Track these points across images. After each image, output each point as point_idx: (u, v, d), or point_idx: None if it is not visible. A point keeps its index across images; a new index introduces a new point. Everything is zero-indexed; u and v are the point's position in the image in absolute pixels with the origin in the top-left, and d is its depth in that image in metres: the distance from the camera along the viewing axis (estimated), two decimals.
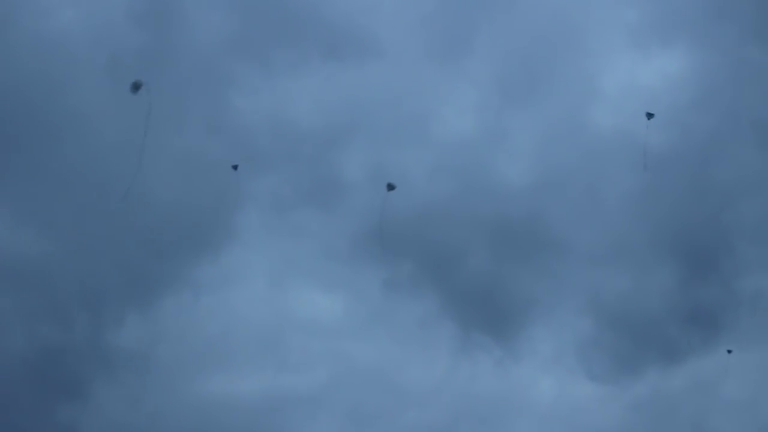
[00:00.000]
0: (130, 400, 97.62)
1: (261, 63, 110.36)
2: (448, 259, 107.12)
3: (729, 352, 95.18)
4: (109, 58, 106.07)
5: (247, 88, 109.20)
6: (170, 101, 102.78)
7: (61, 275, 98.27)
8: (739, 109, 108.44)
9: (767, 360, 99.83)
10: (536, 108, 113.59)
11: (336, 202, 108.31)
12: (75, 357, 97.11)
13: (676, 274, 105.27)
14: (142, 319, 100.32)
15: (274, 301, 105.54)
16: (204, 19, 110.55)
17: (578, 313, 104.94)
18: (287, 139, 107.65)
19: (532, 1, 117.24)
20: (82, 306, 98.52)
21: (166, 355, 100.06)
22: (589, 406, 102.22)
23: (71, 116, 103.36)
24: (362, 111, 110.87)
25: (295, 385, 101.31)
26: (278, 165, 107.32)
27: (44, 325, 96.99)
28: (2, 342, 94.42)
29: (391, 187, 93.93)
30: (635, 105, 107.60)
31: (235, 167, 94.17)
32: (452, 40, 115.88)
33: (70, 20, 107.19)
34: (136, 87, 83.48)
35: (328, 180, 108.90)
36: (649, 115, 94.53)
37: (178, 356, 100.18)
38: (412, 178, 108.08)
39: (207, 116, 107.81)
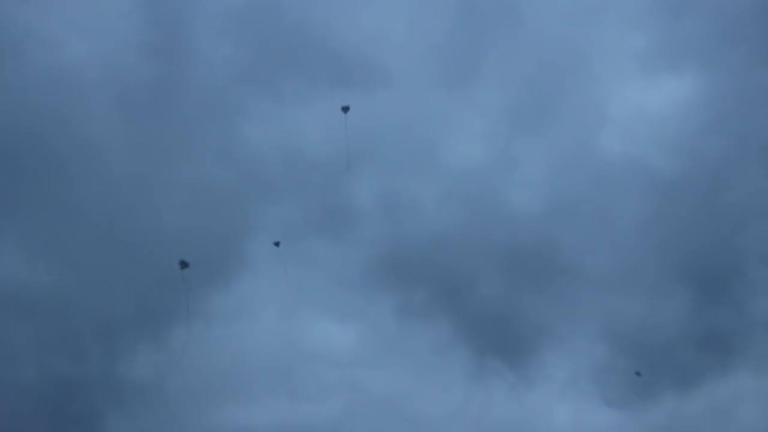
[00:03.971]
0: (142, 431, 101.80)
1: (270, 92, 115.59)
2: (461, 285, 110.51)
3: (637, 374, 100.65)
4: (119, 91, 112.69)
5: (256, 117, 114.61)
6: (180, 131, 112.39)
7: (73, 307, 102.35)
8: (748, 134, 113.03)
9: None
10: (546, 135, 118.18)
11: (347, 231, 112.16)
12: (87, 388, 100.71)
13: (689, 298, 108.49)
14: (154, 350, 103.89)
15: (286, 331, 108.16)
16: (213, 49, 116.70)
17: (592, 339, 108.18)
18: (297, 167, 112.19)
19: (540, 28, 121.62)
20: (95, 337, 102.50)
21: (178, 386, 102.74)
22: None
23: (82, 149, 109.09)
24: (372, 139, 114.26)
25: (309, 416, 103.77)
26: (288, 194, 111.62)
27: (57, 356, 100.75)
28: (15, 373, 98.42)
29: (346, 108, 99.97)
30: (644, 131, 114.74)
31: (276, 244, 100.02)
32: (461, 68, 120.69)
33: (81, 53, 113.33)
34: (183, 265, 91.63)
35: (339, 208, 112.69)
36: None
37: (190, 387, 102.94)
38: (423, 205, 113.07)
39: (217, 146, 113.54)
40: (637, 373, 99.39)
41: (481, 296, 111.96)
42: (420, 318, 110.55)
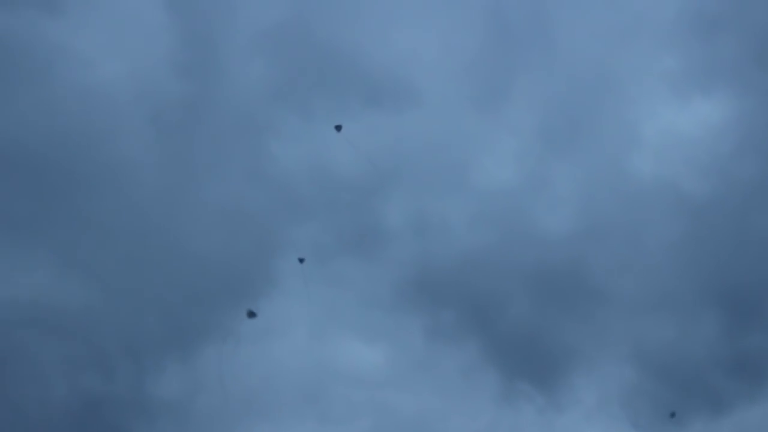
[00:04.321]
0: None
1: (301, 111, 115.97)
2: (490, 307, 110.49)
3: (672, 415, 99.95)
4: (151, 110, 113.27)
5: (286, 136, 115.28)
6: (211, 150, 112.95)
7: (103, 325, 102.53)
8: None
9: None
10: (577, 156, 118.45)
11: (377, 251, 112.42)
12: (116, 406, 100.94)
13: (720, 322, 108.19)
14: (183, 369, 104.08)
15: (315, 351, 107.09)
16: (245, 68, 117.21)
17: (622, 362, 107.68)
18: (327, 187, 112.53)
19: (572, 49, 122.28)
20: (124, 355, 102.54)
21: (207, 406, 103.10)
22: None
23: (114, 167, 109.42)
24: (403, 159, 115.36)
25: None
26: (318, 213, 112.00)
27: (86, 373, 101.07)
28: (45, 390, 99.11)
29: (338, 127, 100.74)
30: (676, 153, 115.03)
31: (301, 261, 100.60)
32: (492, 88, 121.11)
33: (113, 71, 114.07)
34: (251, 314, 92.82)
35: (369, 228, 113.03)
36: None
37: (218, 407, 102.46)
38: (453, 226, 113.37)
39: (247, 164, 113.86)
40: (672, 415, 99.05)
41: (510, 318, 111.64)
42: (449, 339, 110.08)
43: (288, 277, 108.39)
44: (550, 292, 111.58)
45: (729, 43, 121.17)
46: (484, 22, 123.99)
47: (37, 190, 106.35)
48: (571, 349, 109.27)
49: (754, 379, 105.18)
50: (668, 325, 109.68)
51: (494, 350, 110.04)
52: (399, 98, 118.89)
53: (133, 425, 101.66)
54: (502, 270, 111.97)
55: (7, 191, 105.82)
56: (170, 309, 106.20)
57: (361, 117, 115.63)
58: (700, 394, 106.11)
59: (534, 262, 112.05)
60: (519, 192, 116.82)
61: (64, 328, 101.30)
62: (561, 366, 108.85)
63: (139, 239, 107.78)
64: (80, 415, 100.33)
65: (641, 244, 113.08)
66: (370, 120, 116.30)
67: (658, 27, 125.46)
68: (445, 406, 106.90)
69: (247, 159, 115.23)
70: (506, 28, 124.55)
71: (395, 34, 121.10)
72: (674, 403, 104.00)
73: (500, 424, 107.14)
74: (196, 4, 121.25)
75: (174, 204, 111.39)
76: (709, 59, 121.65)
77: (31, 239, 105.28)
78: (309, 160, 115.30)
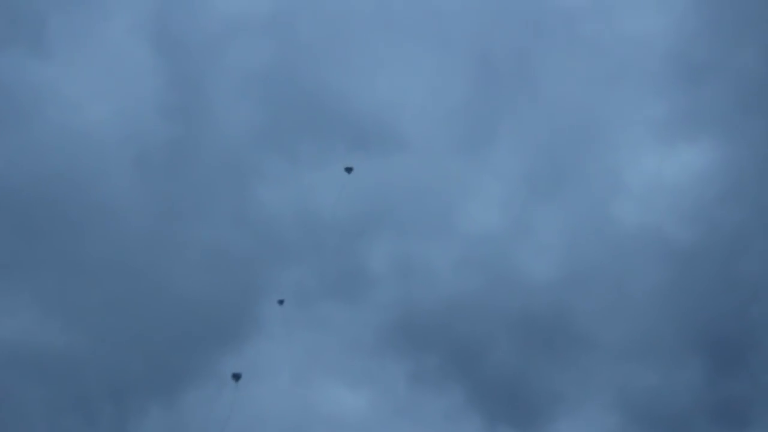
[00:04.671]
0: None
1: (287, 155, 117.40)
2: (474, 352, 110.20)
3: None
4: (137, 153, 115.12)
5: (272, 179, 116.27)
6: (197, 193, 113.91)
7: (86, 367, 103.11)
8: (765, 202, 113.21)
9: None
10: (562, 202, 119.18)
11: (361, 295, 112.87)
12: None
13: (704, 369, 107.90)
14: (166, 413, 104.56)
15: (298, 395, 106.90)
16: (231, 111, 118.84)
17: (605, 408, 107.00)
18: (312, 230, 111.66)
19: (557, 95, 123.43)
20: (107, 398, 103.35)
21: None
22: None
23: (100, 209, 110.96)
24: (388, 203, 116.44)
25: None
26: (303, 257, 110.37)
27: (68, 416, 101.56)
28: None
29: (349, 169, 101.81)
30: (661, 200, 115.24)
31: (280, 302, 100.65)
32: (477, 133, 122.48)
33: (101, 114, 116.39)
34: (236, 377, 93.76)
35: (353, 272, 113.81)
36: None
37: None
38: (438, 270, 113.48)
39: (233, 208, 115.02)
40: None
41: (494, 363, 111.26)
42: (432, 384, 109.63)
43: (272, 320, 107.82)
44: (535, 338, 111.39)
45: (713, 90, 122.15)
46: (470, 68, 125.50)
47: (22, 231, 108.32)
48: (555, 394, 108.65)
49: (737, 425, 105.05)
50: (652, 372, 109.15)
51: (478, 395, 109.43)
52: (385, 142, 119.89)
53: None
54: (486, 315, 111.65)
55: None
56: (154, 352, 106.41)
57: (347, 161, 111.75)
58: None
59: (518, 307, 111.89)
60: (504, 237, 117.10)
61: (46, 370, 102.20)
62: (545, 411, 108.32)
63: (124, 282, 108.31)
64: None
65: (625, 290, 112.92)
66: (356, 164, 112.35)
67: (643, 73, 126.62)
68: None
69: (233, 202, 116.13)
70: (492, 74, 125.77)
71: (381, 78, 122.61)
72: None
73: None
74: (183, 46, 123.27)
75: (159, 246, 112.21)
76: (694, 106, 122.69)
77: (15, 280, 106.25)
78: (294, 203, 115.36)
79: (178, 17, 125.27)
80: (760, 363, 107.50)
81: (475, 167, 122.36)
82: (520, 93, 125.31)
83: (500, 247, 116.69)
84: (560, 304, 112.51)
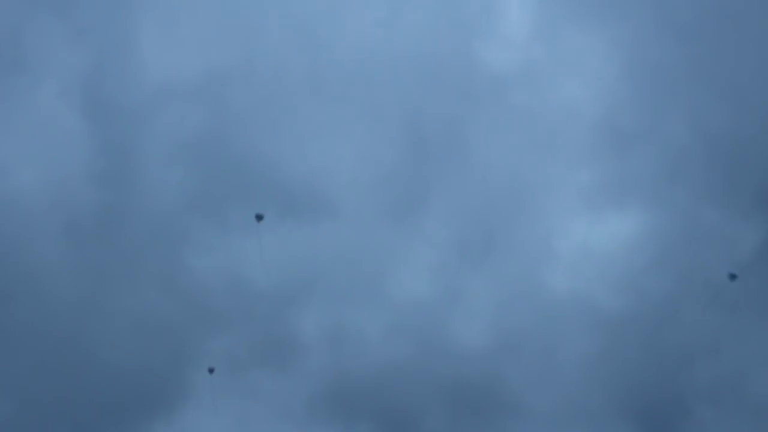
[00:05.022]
0: None
1: (217, 222, 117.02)
2: (406, 419, 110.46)
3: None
4: (66, 219, 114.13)
5: (202, 246, 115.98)
6: (126, 260, 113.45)
7: None
8: (693, 271, 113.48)
9: None
10: (492, 269, 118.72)
11: (292, 363, 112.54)
12: None
13: None
14: None
15: None
16: (161, 178, 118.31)
17: None
18: (242, 298, 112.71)
19: (487, 161, 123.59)
20: None
21: None
22: None
23: (28, 276, 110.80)
24: (318, 270, 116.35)
25: None
26: (233, 324, 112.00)
27: None
28: None
29: (260, 217, 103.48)
30: (590, 267, 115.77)
31: (210, 371, 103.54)
32: (408, 200, 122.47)
33: (29, 180, 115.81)
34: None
35: (284, 340, 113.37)
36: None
37: None
38: (368, 338, 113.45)
39: (163, 275, 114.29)
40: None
41: (426, 430, 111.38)
42: None
43: (202, 388, 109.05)
44: (466, 404, 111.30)
45: (641, 159, 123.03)
46: (401, 134, 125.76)
47: None
48: None
49: None
50: None
51: None
52: (315, 209, 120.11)
53: None
54: (417, 382, 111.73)
55: None
56: (82, 420, 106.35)
57: (278, 228, 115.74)
58: None
59: (450, 374, 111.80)
60: (434, 304, 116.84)
61: None
62: None
63: (52, 349, 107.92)
64: None
65: (555, 357, 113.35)
66: (286, 231, 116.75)
67: (572, 141, 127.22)
68: None
69: (162, 269, 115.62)
70: (422, 141, 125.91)
71: (312, 145, 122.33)
72: None
73: None
74: (112, 112, 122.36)
75: (88, 314, 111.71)
76: (622, 174, 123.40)
77: None
78: (224, 270, 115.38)
79: (109, 83, 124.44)
80: (689, 431, 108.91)
81: (405, 234, 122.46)
82: (451, 160, 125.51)
83: (431, 314, 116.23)
84: (491, 371, 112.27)
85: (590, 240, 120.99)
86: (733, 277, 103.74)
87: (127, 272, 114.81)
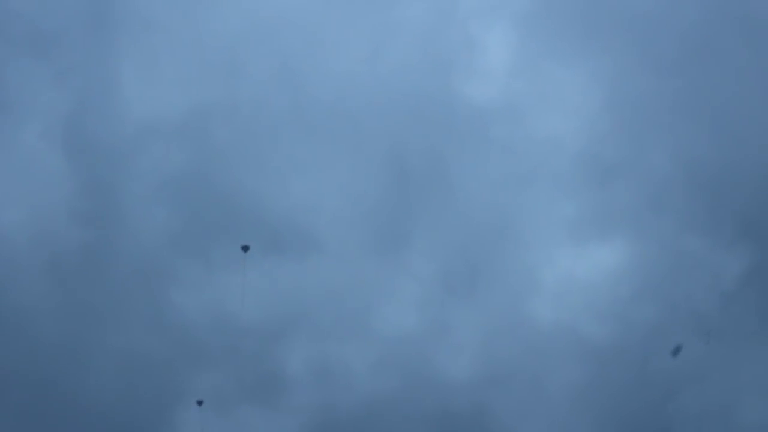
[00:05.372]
0: None
1: (201, 258, 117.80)
2: None
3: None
4: (50, 257, 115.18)
5: (187, 284, 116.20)
6: (111, 298, 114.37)
7: None
8: (678, 301, 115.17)
9: None
10: (477, 302, 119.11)
11: (278, 398, 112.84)
12: None
13: None
14: None
15: None
16: (145, 216, 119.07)
17: None
18: (229, 334, 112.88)
19: (470, 195, 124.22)
20: None
21: None
22: None
23: (10, 315, 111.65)
24: (303, 306, 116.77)
25: None
26: (219, 361, 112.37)
27: None
28: None
29: (246, 248, 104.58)
30: (575, 298, 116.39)
31: (199, 403, 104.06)
32: (392, 235, 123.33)
33: (11, 218, 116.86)
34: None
35: (270, 375, 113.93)
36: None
37: None
38: (355, 372, 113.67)
39: (147, 313, 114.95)
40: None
41: None
42: None
43: (188, 425, 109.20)
44: None
45: (624, 190, 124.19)
46: (383, 169, 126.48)
47: None
48: None
49: None
50: None
51: None
52: (300, 245, 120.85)
53: None
54: (405, 415, 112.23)
55: None
56: None
57: (262, 264, 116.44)
58: None
59: (437, 407, 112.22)
60: (420, 337, 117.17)
61: None
62: None
63: (34, 389, 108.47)
64: None
65: (543, 389, 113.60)
66: (270, 267, 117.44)
67: (554, 174, 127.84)
68: None
69: (147, 306, 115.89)
70: (405, 175, 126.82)
71: (295, 181, 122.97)
72: None
73: None
74: (95, 151, 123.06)
75: (71, 352, 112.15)
76: (605, 205, 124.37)
77: None
78: (210, 307, 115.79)
79: (90, 122, 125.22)
80: None
81: (390, 268, 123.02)
82: (434, 194, 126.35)
83: (417, 347, 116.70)
84: (478, 403, 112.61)
85: (575, 271, 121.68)
86: (677, 351, 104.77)
87: (112, 310, 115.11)
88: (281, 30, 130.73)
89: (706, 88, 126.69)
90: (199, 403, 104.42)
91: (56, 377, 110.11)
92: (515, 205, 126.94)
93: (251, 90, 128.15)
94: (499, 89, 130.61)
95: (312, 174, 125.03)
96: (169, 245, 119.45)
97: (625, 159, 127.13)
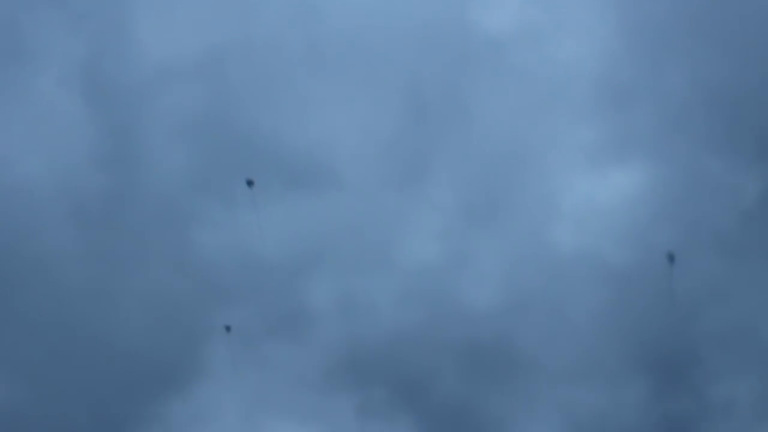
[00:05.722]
0: None
1: (223, 198, 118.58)
2: (420, 382, 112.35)
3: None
4: (73, 203, 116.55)
5: (210, 223, 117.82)
6: (135, 240, 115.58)
7: (31, 420, 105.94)
8: (698, 221, 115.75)
9: None
10: (499, 231, 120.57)
11: (305, 332, 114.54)
12: None
13: (647, 386, 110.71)
14: None
15: None
16: (165, 158, 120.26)
17: (552, 430, 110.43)
18: (252, 271, 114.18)
19: (488, 124, 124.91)
20: None
21: None
22: None
23: (37, 262, 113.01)
24: (326, 241, 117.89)
25: None
26: (244, 298, 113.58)
27: None
28: None
29: (250, 183, 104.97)
30: (595, 223, 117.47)
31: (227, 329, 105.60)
32: (411, 166, 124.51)
33: (33, 168, 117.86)
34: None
35: (296, 310, 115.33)
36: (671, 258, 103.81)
37: None
38: (379, 305, 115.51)
39: (172, 253, 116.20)
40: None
41: (440, 393, 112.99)
42: (381, 416, 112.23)
43: (217, 362, 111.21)
44: (479, 365, 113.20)
45: (642, 114, 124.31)
46: (401, 102, 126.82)
47: None
48: (502, 420, 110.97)
49: None
50: (597, 392, 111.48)
51: (426, 425, 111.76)
52: (319, 180, 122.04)
53: None
54: (430, 346, 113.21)
55: None
56: (98, 400, 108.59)
57: (283, 200, 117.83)
58: None
59: (461, 337, 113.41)
60: (443, 268, 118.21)
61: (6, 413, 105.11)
62: None
63: (65, 332, 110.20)
64: None
65: (566, 314, 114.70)
66: (291, 203, 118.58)
67: (571, 99, 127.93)
68: None
69: (171, 247, 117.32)
70: (423, 107, 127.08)
71: (313, 117, 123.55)
72: None
73: None
74: (113, 95, 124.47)
75: (99, 295, 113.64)
76: (622, 130, 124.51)
77: None
78: (232, 246, 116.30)
79: (108, 66, 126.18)
80: (703, 377, 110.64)
81: (410, 201, 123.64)
82: (452, 124, 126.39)
83: (440, 278, 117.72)
84: (502, 331, 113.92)
85: (594, 196, 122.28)
86: (671, 258, 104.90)
87: (136, 253, 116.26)
88: None
89: (722, 9, 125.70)
90: (227, 328, 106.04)
91: (85, 319, 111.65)
92: (533, 132, 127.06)
93: (266, 29, 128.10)
94: (514, 17, 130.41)
95: (329, 110, 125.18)
96: (190, 186, 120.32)
97: (642, 82, 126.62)
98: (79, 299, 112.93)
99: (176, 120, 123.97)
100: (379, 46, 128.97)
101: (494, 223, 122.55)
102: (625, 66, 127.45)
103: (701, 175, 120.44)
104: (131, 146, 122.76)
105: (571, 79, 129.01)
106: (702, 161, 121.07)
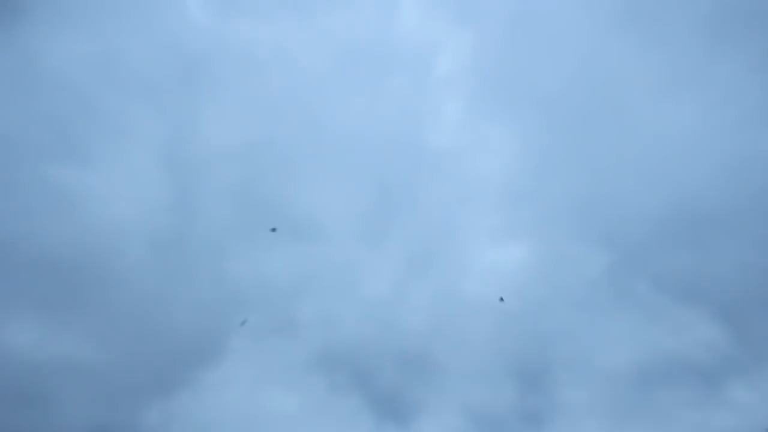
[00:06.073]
0: None
1: (249, 241, 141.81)
2: (369, 371, 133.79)
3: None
4: (148, 237, 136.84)
5: (239, 257, 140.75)
6: (188, 265, 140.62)
7: (109, 372, 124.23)
8: (559, 283, 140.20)
9: None
10: (429, 279, 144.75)
11: (294, 334, 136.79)
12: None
13: (514, 387, 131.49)
14: (163, 406, 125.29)
15: (253, 397, 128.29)
16: (213, 211, 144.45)
17: (453, 411, 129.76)
18: (264, 290, 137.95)
19: (428, 209, 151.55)
20: (123, 393, 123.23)
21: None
22: None
23: (122, 274, 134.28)
24: (313, 275, 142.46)
25: None
26: (256, 307, 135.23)
27: (93, 406, 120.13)
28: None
29: (273, 230, 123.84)
30: (493, 280, 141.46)
31: (243, 323, 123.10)
32: (374, 231, 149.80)
33: (124, 210, 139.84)
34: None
35: (289, 319, 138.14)
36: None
37: None
38: (346, 321, 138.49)
39: (211, 276, 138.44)
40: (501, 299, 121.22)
41: (383, 380, 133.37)
42: (342, 393, 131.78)
43: (235, 347, 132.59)
44: (409, 364, 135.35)
45: (529, 210, 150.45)
46: (372, 188, 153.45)
47: (71, 287, 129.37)
48: (422, 400, 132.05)
49: (534, 426, 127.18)
50: (482, 389, 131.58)
51: (371, 400, 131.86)
52: (313, 234, 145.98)
53: None
54: (377, 350, 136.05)
55: (49, 294, 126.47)
56: (156, 367, 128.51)
57: (289, 246, 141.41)
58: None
59: (399, 347, 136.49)
60: (390, 301, 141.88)
61: (83, 372, 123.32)
62: (413, 411, 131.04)
63: (137, 321, 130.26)
64: None
65: (468, 336, 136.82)
66: (293, 248, 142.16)
67: (484, 197, 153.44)
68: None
69: (212, 271, 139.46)
70: (386, 193, 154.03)
71: (312, 192, 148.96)
72: None
73: None
74: (182, 165, 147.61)
75: (161, 300, 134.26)
76: (516, 220, 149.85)
77: (68, 317, 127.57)
78: (252, 273, 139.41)
79: (180, 144, 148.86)
80: (553, 385, 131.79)
81: (372, 253, 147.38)
82: (404, 206, 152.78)
83: (388, 307, 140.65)
84: (427, 345, 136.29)
85: (494, 262, 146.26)
86: (501, 299, 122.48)
87: (188, 273, 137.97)
88: (307, 95, 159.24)
89: (591, 143, 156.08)
90: (243, 323, 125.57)
91: (151, 313, 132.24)
92: (457, 217, 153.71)
93: (286, 131, 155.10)
94: (450, 137, 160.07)
95: (323, 188, 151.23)
96: (227, 231, 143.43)
97: (531, 189, 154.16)
98: (148, 301, 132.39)
99: (222, 185, 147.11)
100: (360, 148, 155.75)
101: (427, 273, 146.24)
102: (521, 177, 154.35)
103: (563, 253, 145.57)
104: (191, 200, 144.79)
105: (484, 183, 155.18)
106: (565, 243, 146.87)
